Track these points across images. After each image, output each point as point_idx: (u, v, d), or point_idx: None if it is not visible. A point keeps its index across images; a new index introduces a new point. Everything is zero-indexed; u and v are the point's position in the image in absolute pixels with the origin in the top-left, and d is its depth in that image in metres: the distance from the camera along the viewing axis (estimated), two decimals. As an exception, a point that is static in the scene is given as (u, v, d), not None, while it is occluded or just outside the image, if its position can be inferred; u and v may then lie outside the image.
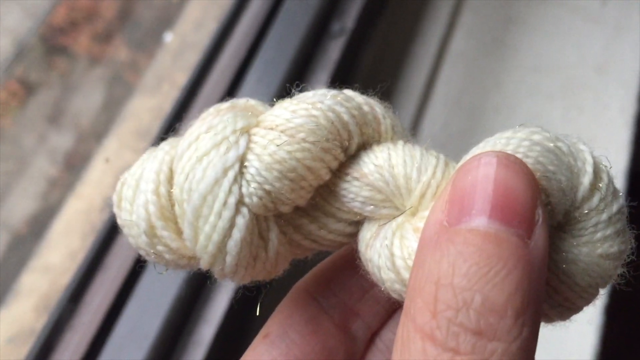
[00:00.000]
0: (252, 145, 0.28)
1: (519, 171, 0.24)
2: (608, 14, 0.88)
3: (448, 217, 0.24)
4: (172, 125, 0.71)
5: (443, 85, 0.83)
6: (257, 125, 0.29)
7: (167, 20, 0.97)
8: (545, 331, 0.68)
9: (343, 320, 0.32)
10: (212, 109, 0.30)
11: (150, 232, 0.29)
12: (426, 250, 0.24)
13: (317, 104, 0.29)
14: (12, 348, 0.67)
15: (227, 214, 0.28)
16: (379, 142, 0.31)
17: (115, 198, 0.31)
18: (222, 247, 0.28)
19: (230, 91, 0.72)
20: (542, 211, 0.24)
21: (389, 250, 0.28)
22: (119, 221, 0.31)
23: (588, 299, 0.29)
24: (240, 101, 0.30)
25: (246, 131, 0.28)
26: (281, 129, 0.28)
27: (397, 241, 0.28)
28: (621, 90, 0.82)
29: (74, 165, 0.88)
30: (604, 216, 0.28)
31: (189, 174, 0.28)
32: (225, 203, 0.28)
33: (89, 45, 1.00)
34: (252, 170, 0.28)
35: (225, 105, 0.30)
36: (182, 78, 0.82)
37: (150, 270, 0.60)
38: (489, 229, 0.23)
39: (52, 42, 1.00)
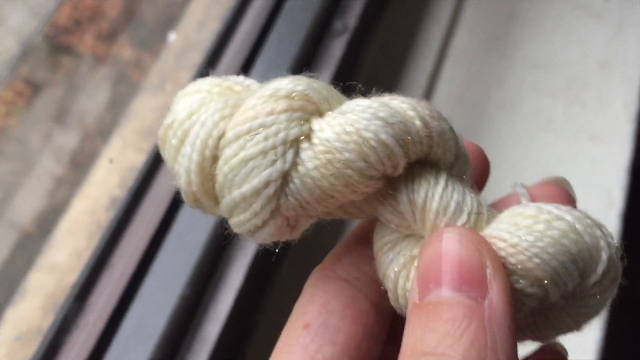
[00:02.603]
0: (298, 160, 0.29)
1: (468, 244, 0.27)
2: (611, 9, 0.87)
3: (418, 295, 0.27)
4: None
5: (445, 82, 0.84)
6: (308, 138, 0.29)
7: (170, 19, 0.97)
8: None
9: (376, 296, 0.32)
10: (271, 93, 0.29)
11: (190, 191, 0.30)
12: (406, 325, 0.27)
13: (364, 132, 0.28)
14: (20, 346, 0.68)
15: (261, 216, 0.29)
16: (423, 164, 0.30)
17: (159, 139, 0.31)
18: (252, 232, 0.30)
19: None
20: (494, 271, 0.27)
21: (395, 275, 0.29)
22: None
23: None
24: (300, 89, 0.29)
25: (296, 142, 0.28)
26: (328, 157, 0.28)
27: (404, 272, 0.29)
28: (624, 85, 0.82)
29: (80, 164, 0.88)
30: (604, 296, 0.30)
31: (234, 169, 0.28)
32: (262, 208, 0.29)
33: (93, 45, 1.01)
34: (293, 187, 0.29)
35: (283, 94, 0.29)
36: (185, 77, 0.82)
37: (155, 270, 0.61)
38: (443, 298, 0.26)
39: (57, 42, 1.01)
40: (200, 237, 0.63)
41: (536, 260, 0.27)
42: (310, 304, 0.32)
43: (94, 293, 0.62)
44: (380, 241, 0.31)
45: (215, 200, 0.30)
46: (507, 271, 0.28)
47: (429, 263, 0.27)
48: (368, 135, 0.28)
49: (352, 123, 0.28)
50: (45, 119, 0.94)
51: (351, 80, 0.80)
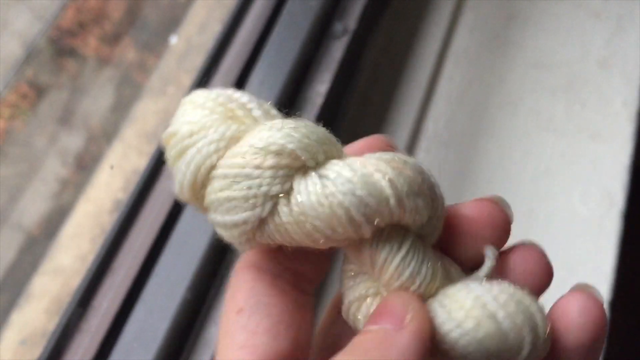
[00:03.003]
0: (275, 211, 0.31)
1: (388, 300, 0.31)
2: (610, 8, 0.87)
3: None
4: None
5: (446, 82, 0.84)
6: (287, 196, 0.31)
7: (172, 21, 0.98)
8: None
9: (295, 281, 0.35)
10: (263, 146, 0.31)
11: (181, 196, 0.33)
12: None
13: (337, 207, 0.30)
14: (25, 350, 0.69)
15: (238, 240, 0.32)
16: (392, 227, 0.32)
17: (163, 140, 0.33)
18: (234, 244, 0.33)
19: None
20: (415, 311, 0.30)
21: (349, 303, 0.33)
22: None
23: None
24: (290, 147, 0.31)
25: (276, 197, 0.31)
26: (301, 218, 0.30)
27: (356, 304, 0.33)
28: (624, 84, 0.82)
29: (85, 166, 0.89)
30: None
31: (219, 201, 0.31)
32: (239, 236, 0.32)
33: (97, 47, 1.01)
34: (267, 229, 0.31)
35: (273, 149, 0.31)
36: (187, 80, 0.82)
37: (157, 274, 0.61)
38: (369, 329, 0.30)
39: (61, 44, 1.01)
40: (202, 240, 0.63)
41: (459, 353, 0.30)
42: (238, 291, 0.34)
43: (97, 297, 0.62)
44: (346, 265, 0.34)
45: (204, 209, 0.33)
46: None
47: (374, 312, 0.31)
48: (340, 211, 0.30)
49: (328, 195, 0.30)
50: (49, 121, 0.94)
51: (352, 82, 0.80)
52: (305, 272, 0.35)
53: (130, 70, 0.99)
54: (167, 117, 0.82)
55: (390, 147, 0.36)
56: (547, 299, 0.35)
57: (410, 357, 0.29)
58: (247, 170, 0.30)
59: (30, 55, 0.98)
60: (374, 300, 0.32)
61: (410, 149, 0.78)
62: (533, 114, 0.81)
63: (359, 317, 0.32)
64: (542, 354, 0.31)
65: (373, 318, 0.31)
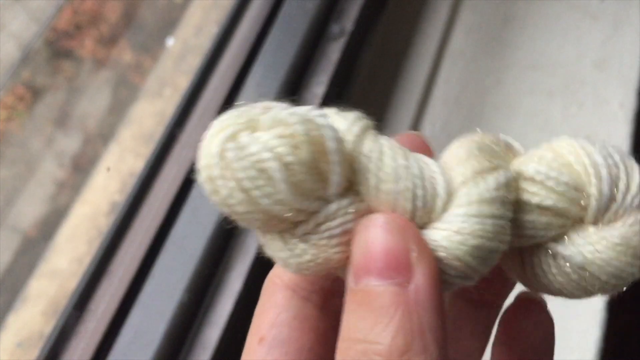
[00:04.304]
0: None
1: (393, 230, 0.28)
2: (607, 9, 0.87)
3: (351, 281, 0.28)
4: (174, 130, 0.72)
5: (443, 84, 0.84)
6: None
7: (169, 23, 0.97)
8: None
9: (323, 301, 0.34)
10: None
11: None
12: (344, 307, 0.29)
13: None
14: (22, 353, 0.69)
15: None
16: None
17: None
18: None
19: (231, 95, 0.73)
20: (419, 255, 0.28)
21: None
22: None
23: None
24: None
25: None
26: None
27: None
28: (621, 85, 0.82)
29: (82, 168, 0.89)
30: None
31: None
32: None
33: (94, 49, 1.01)
34: None
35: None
36: (184, 82, 0.82)
37: (154, 276, 0.61)
38: (371, 286, 0.27)
39: (58, 46, 1.01)
40: (200, 242, 0.63)
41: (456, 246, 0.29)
42: (263, 316, 0.34)
43: (94, 300, 0.62)
44: None
45: None
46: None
47: (358, 252, 0.28)
48: None
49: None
50: (46, 123, 0.94)
51: (349, 84, 0.80)
52: (335, 287, 0.34)
53: (126, 72, 0.99)
54: (163, 119, 0.81)
55: (426, 147, 0.35)
56: (546, 300, 0.36)
57: (435, 305, 0.27)
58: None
59: (26, 57, 0.97)
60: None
61: (407, 150, 0.78)
62: (530, 116, 0.81)
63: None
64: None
65: (365, 265, 0.28)
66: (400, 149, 0.30)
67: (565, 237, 0.31)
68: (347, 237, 0.29)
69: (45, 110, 0.95)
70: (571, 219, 0.31)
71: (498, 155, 0.31)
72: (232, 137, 0.28)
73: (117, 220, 0.66)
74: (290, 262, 0.30)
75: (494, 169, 0.30)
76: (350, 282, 0.28)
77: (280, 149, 0.27)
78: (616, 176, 0.31)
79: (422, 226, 0.30)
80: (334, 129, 0.29)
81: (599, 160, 0.31)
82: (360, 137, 0.30)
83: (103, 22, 1.03)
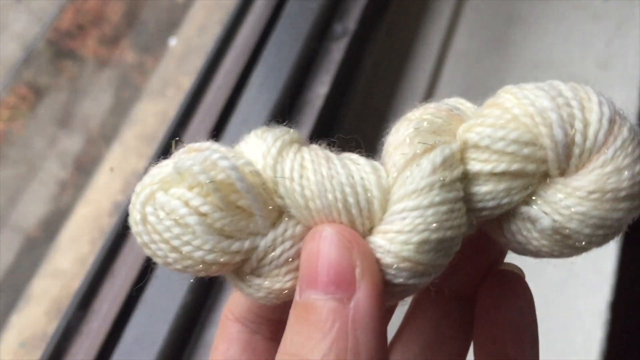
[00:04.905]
0: None
1: (341, 244, 0.27)
2: (610, 10, 0.87)
3: (296, 293, 0.28)
4: (177, 130, 0.72)
5: (446, 84, 0.84)
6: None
7: (172, 23, 0.97)
8: (552, 327, 0.68)
9: (272, 332, 0.34)
10: None
11: None
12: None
13: None
14: (25, 353, 0.68)
15: None
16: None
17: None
18: None
19: (234, 95, 0.73)
20: (364, 271, 0.26)
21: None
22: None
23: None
24: None
25: None
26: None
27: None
28: (624, 86, 0.82)
29: (84, 168, 0.89)
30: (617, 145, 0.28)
31: None
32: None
33: (96, 49, 1.01)
34: None
35: None
36: (186, 82, 0.82)
37: (158, 276, 0.61)
38: (312, 299, 0.26)
39: (60, 46, 1.01)
40: (202, 242, 0.63)
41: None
42: (216, 351, 0.34)
43: (97, 300, 0.62)
44: None
45: None
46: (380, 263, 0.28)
47: (306, 263, 0.27)
48: None
49: None
50: (48, 123, 0.94)
51: (352, 84, 0.80)
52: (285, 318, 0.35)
53: (129, 72, 0.99)
54: (166, 119, 0.81)
55: None
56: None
57: (374, 325, 0.26)
58: None
59: (29, 57, 0.97)
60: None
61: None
62: (533, 116, 0.81)
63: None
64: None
65: (309, 279, 0.27)
66: (323, 158, 0.29)
67: (534, 197, 0.28)
68: (295, 264, 0.28)
69: (47, 111, 0.95)
70: (536, 177, 0.28)
71: (440, 128, 0.29)
72: (149, 199, 0.28)
73: (120, 220, 0.66)
74: (254, 295, 0.29)
75: (429, 150, 0.27)
76: (295, 295, 0.28)
77: (194, 202, 0.27)
78: (570, 115, 0.28)
79: (367, 233, 0.28)
80: (235, 168, 0.27)
81: (546, 103, 0.28)
82: (278, 158, 0.29)
83: (105, 22, 1.03)
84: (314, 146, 0.30)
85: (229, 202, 0.27)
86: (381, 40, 0.86)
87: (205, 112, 0.72)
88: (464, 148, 0.29)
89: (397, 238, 0.27)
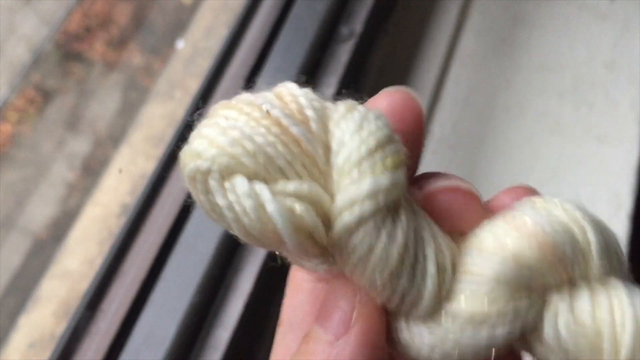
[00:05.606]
0: None
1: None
2: (617, 10, 0.87)
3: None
4: (184, 132, 0.72)
5: (452, 86, 0.84)
6: None
7: (179, 25, 0.98)
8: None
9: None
10: None
11: None
12: None
13: None
14: (33, 353, 0.69)
15: None
16: None
17: None
18: None
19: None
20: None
21: None
22: None
23: None
24: None
25: None
26: None
27: None
28: (631, 86, 0.82)
29: (92, 170, 0.89)
30: None
31: None
32: None
33: (104, 51, 1.02)
34: None
35: None
36: (194, 84, 0.83)
37: (165, 277, 0.61)
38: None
39: (68, 49, 1.01)
40: (210, 244, 0.63)
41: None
42: (285, 301, 0.35)
43: (105, 300, 0.62)
44: None
45: None
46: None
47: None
48: None
49: None
50: (56, 125, 0.94)
51: (358, 86, 0.80)
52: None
53: (136, 74, 1.00)
54: (173, 121, 0.82)
55: (415, 105, 0.31)
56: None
57: None
58: None
59: (37, 60, 0.98)
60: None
61: (417, 151, 0.78)
62: (540, 117, 0.81)
63: None
64: None
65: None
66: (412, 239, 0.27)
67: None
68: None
69: (55, 113, 0.95)
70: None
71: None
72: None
73: (129, 221, 0.66)
74: (307, 268, 0.30)
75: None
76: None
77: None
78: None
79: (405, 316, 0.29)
80: (283, 217, 0.25)
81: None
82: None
83: (113, 25, 1.04)
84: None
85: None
86: (387, 42, 0.87)
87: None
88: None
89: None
